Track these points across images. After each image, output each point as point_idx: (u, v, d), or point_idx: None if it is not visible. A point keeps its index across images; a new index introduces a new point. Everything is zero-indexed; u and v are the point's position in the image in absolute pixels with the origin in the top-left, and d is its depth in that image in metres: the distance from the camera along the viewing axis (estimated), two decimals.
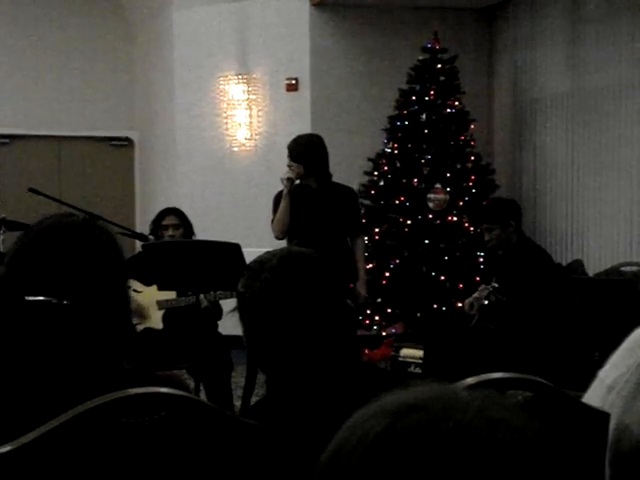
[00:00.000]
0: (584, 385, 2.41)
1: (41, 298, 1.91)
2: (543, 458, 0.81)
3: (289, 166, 6.18)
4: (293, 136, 8.70)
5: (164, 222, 5.90)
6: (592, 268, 7.35)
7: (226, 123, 9.60)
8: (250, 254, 2.82)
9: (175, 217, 5.93)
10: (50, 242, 1.97)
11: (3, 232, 6.17)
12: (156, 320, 5.67)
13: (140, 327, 5.61)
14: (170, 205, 6.48)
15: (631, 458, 1.98)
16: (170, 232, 5.85)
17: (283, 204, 6.12)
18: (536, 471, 0.80)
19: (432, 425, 0.81)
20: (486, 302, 6.19)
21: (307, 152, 6.17)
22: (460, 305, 8.03)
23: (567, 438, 0.79)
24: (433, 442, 0.80)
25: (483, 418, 0.81)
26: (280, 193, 6.22)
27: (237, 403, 5.98)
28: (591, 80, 8.20)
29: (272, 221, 6.26)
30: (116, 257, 2.03)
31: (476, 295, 6.31)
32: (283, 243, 6.09)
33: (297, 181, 6.15)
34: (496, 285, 6.18)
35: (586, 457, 1.87)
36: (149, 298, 5.66)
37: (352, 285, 6.22)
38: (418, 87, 8.60)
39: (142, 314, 5.64)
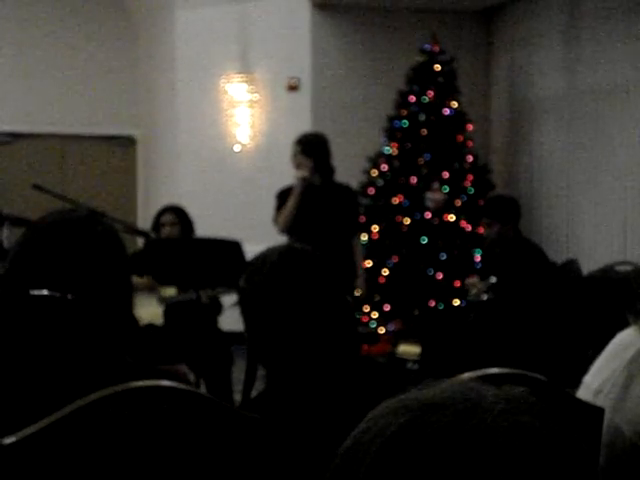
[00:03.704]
0: (578, 381, 2.48)
1: (45, 292, 1.94)
2: (562, 463, 0.80)
3: (298, 163, 6.27)
4: (293, 135, 8.77)
5: (162, 219, 5.99)
6: (587, 267, 7.40)
7: (227, 122, 9.66)
8: (251, 251, 2.87)
9: (172, 215, 6.00)
10: (53, 237, 2.00)
11: (7, 228, 6.22)
12: (157, 315, 5.74)
13: (141, 323, 5.69)
14: (172, 202, 6.55)
15: (624, 459, 2.03)
16: (167, 229, 5.92)
17: (292, 202, 6.20)
18: (553, 476, 0.79)
19: (452, 425, 0.80)
20: (485, 297, 6.26)
21: (318, 147, 6.29)
22: (457, 303, 8.12)
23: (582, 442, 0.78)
24: (451, 442, 0.79)
25: (505, 420, 0.80)
26: (284, 190, 6.31)
27: (237, 398, 6.05)
28: (588, 82, 8.26)
29: (275, 216, 6.34)
30: (118, 252, 2.06)
31: (475, 291, 6.38)
32: (284, 238, 6.20)
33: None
34: (494, 280, 6.25)
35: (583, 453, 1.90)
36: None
37: (351, 283, 6.34)
38: (417, 88, 8.67)
39: (154, 287, 5.71)
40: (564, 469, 0.80)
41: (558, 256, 8.22)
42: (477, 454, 0.78)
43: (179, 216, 6.01)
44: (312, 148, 6.26)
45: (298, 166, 6.26)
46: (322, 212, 6.21)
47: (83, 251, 2.00)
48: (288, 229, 6.26)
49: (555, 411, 0.85)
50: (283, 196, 6.29)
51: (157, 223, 6.00)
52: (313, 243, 6.09)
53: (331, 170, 6.37)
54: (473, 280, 6.44)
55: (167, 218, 5.98)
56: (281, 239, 6.17)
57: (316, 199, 6.22)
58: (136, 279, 5.42)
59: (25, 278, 1.98)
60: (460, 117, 8.70)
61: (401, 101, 8.71)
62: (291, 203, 6.20)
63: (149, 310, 5.72)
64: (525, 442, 0.79)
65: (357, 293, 6.47)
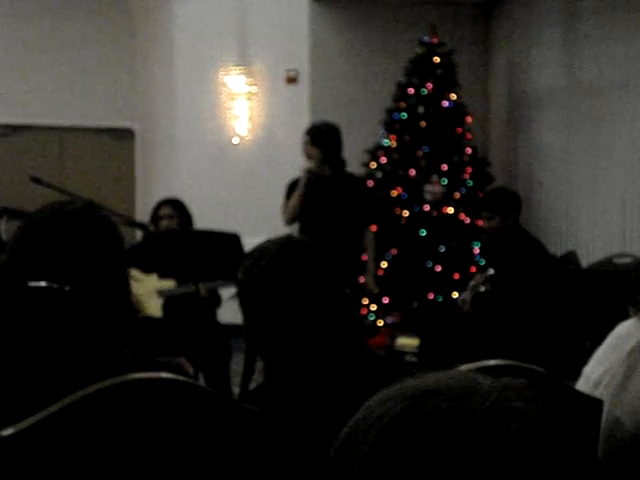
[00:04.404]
0: (576, 373, 2.48)
1: (43, 284, 1.95)
2: (556, 451, 0.81)
3: (307, 153, 6.22)
4: (292, 128, 8.76)
5: (159, 212, 5.99)
6: (586, 259, 7.42)
7: (226, 114, 9.66)
8: (250, 244, 2.87)
9: (170, 208, 6.00)
10: (51, 229, 2.00)
11: (5, 221, 6.22)
12: (156, 308, 5.75)
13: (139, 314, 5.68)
14: (170, 195, 6.55)
15: (624, 450, 2.03)
16: (165, 222, 5.92)
17: (297, 194, 6.17)
18: (548, 463, 0.80)
19: (448, 411, 0.80)
20: (483, 289, 6.27)
21: (327, 137, 6.22)
22: (456, 295, 8.12)
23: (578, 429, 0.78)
24: (448, 428, 0.79)
25: (501, 407, 0.81)
26: (294, 181, 6.27)
27: (236, 390, 6.06)
28: (586, 75, 8.26)
29: (283, 207, 6.32)
30: (116, 244, 2.06)
31: (473, 283, 6.39)
32: (288, 229, 6.18)
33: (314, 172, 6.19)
34: (492, 272, 6.26)
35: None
36: (149, 286, 5.73)
37: (360, 275, 6.30)
38: (416, 80, 8.67)
39: (138, 306, 5.70)
40: (559, 455, 0.81)
41: (557, 248, 8.23)
42: (473, 440, 0.79)
43: (177, 209, 6.01)
44: (321, 138, 6.19)
45: (308, 156, 6.21)
46: (330, 203, 6.15)
47: (81, 243, 2.01)
48: (296, 220, 6.22)
49: (551, 400, 0.84)
50: (292, 187, 6.25)
51: (155, 216, 6.01)
52: (321, 234, 6.13)
53: (342, 161, 6.31)
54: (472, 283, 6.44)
55: (165, 211, 5.98)
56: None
57: (324, 190, 6.16)
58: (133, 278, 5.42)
59: (23, 270, 1.98)
60: (459, 109, 8.71)
61: (400, 93, 8.72)
62: (296, 195, 6.16)
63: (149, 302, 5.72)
64: (520, 428, 0.80)
65: (366, 287, 6.39)
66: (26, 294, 1.96)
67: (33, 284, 1.96)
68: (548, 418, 0.83)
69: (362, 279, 6.34)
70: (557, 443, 0.81)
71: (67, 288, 1.96)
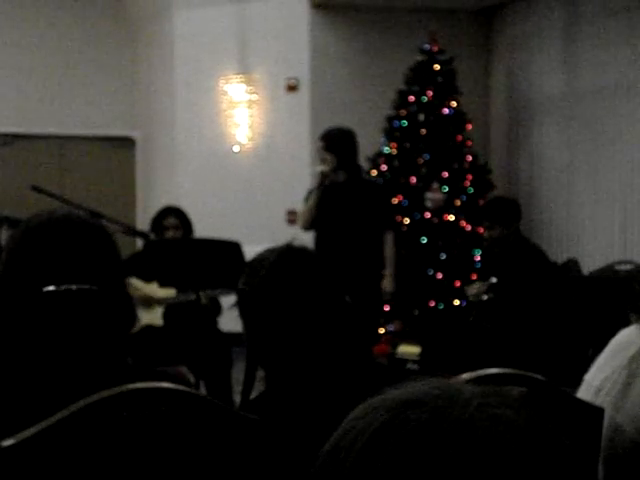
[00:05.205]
0: (578, 381, 2.47)
1: (51, 288, 1.93)
2: (541, 456, 0.80)
3: (322, 159, 6.18)
4: (293, 135, 8.77)
5: (165, 223, 5.97)
6: (587, 267, 7.42)
7: (226, 122, 9.67)
8: (250, 252, 2.87)
9: (175, 218, 5.98)
10: (46, 237, 1.98)
11: (5, 229, 6.22)
12: (156, 317, 5.74)
13: (140, 324, 5.68)
14: (170, 203, 6.54)
15: (625, 457, 2.03)
16: (170, 233, 5.91)
17: (312, 199, 6.15)
18: (533, 469, 0.79)
19: (431, 421, 0.80)
20: (485, 297, 6.27)
21: (341, 143, 6.18)
22: (457, 303, 8.12)
23: (563, 434, 0.77)
24: (431, 438, 0.79)
25: (483, 414, 0.81)
26: (314, 188, 6.27)
27: (236, 399, 6.05)
28: (587, 82, 8.27)
29: (299, 214, 6.31)
30: (113, 253, 2.05)
31: (475, 292, 6.39)
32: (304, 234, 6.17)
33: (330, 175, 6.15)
34: (495, 281, 6.26)
35: (581, 453, 1.91)
36: (150, 295, 5.72)
37: (379, 281, 6.29)
38: (416, 88, 8.68)
39: (149, 303, 5.70)
40: (544, 461, 0.80)
41: (558, 256, 8.23)
42: (456, 448, 0.78)
43: (180, 218, 6.00)
44: (335, 144, 6.15)
45: (322, 162, 6.17)
46: (345, 210, 6.11)
47: (76, 251, 1.99)
48: (313, 225, 6.19)
49: (538, 405, 0.84)
50: (311, 193, 6.24)
51: (158, 224, 5.98)
52: (336, 241, 6.10)
53: (357, 166, 6.27)
54: (472, 286, 6.44)
55: (170, 221, 5.96)
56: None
57: (339, 196, 6.13)
58: (133, 290, 5.41)
59: (20, 277, 1.97)
60: (459, 117, 8.72)
61: (400, 101, 8.73)
62: (311, 200, 6.14)
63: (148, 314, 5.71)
64: (503, 434, 0.80)
65: (383, 290, 6.38)
66: (26, 302, 1.94)
67: (34, 289, 1.94)
68: (532, 423, 0.82)
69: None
70: (541, 449, 0.81)
71: (73, 288, 1.94)
